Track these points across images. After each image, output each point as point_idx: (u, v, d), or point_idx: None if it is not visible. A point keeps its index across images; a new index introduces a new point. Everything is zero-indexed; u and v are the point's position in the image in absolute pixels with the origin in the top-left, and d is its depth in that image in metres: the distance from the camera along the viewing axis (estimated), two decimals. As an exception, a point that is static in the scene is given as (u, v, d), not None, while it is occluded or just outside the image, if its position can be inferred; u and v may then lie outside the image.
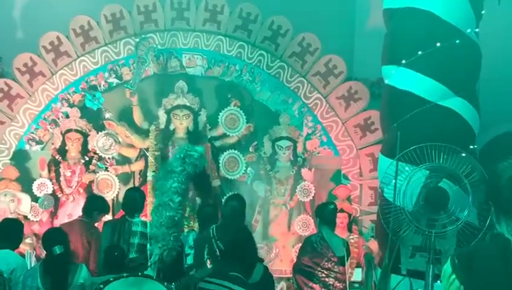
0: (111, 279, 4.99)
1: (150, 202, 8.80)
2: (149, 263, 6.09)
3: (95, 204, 8.16)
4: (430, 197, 6.83)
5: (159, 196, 5.57)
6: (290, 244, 9.87)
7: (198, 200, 9.31)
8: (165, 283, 5.10)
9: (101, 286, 4.87)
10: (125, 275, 5.27)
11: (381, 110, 8.81)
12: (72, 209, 9.49)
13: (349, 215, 9.48)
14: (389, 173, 7.25)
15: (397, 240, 7.15)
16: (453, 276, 3.59)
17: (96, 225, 8.19)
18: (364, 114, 10.19)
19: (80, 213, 8.19)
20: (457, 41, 7.87)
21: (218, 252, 6.71)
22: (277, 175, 10.07)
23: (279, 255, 9.78)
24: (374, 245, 8.83)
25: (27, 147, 10.08)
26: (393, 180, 7.20)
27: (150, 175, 9.75)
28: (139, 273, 5.43)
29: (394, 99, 8.30)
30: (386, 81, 8.44)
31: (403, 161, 7.10)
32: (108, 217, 9.34)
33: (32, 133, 10.07)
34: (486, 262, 3.52)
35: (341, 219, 9.17)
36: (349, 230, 9.43)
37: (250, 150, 10.23)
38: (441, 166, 6.83)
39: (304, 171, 10.05)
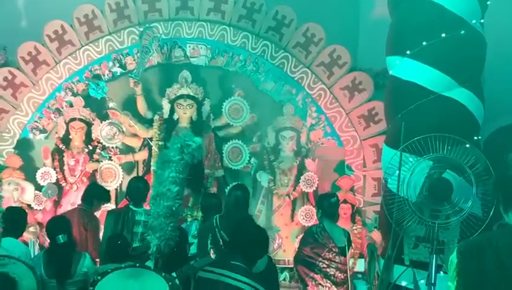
0: (109, 270, 4.98)
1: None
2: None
3: (94, 192, 8.19)
4: (433, 188, 6.85)
5: (157, 186, 5.52)
6: (293, 235, 9.85)
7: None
8: (164, 273, 5.08)
9: (99, 277, 4.86)
10: (123, 266, 5.26)
11: (385, 100, 8.79)
12: (76, 198, 9.44)
13: (353, 206, 9.48)
14: (393, 163, 7.26)
15: (400, 230, 7.16)
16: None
17: (96, 213, 8.20)
18: (369, 105, 10.17)
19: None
20: (462, 32, 7.83)
21: (221, 242, 6.73)
22: (280, 165, 10.06)
23: (283, 246, 9.77)
24: (377, 236, 8.83)
25: (31, 135, 10.08)
26: (397, 171, 7.21)
27: (153, 165, 9.73)
28: (137, 264, 5.42)
29: (398, 90, 8.27)
30: (391, 72, 8.42)
31: (406, 152, 7.10)
32: (111, 206, 9.40)
33: (36, 122, 10.07)
34: (493, 251, 3.52)
35: (344, 210, 9.19)
36: (353, 221, 9.42)
37: (254, 140, 10.21)
38: (444, 157, 6.84)
39: (308, 162, 10.03)
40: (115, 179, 9.86)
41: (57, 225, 6.31)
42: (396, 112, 8.19)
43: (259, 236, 5.36)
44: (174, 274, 5.09)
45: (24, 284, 4.89)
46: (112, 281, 4.89)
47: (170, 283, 4.86)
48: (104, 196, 8.28)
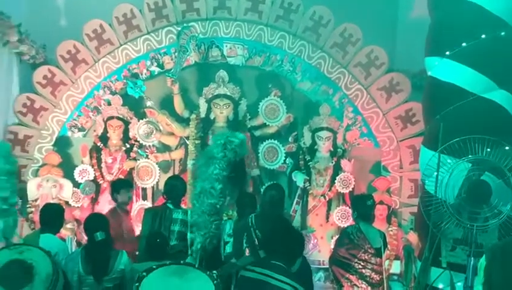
0: (154, 266, 5.01)
1: (189, 189, 8.82)
2: (190, 251, 6.11)
3: (117, 185, 8.30)
4: (472, 190, 6.78)
5: (200, 182, 5.53)
6: (328, 236, 9.83)
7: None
8: (207, 272, 5.10)
9: (144, 273, 4.89)
10: (168, 263, 5.29)
11: (423, 101, 8.73)
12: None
13: (389, 207, 9.43)
14: (431, 165, 7.20)
15: (438, 232, 7.10)
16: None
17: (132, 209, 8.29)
18: (406, 106, 10.13)
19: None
20: (503, 33, 7.75)
21: (256, 241, 6.73)
22: (316, 166, 10.04)
23: (317, 246, 9.75)
24: (413, 238, 8.76)
25: (69, 133, 10.21)
26: (435, 173, 7.15)
27: (189, 163, 9.79)
28: (181, 262, 5.45)
29: (437, 91, 8.21)
30: (429, 73, 8.36)
31: (445, 153, 7.05)
32: (148, 204, 9.47)
33: (75, 120, 10.20)
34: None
35: (380, 211, 9.15)
36: (388, 222, 9.38)
37: (290, 140, 10.23)
38: (484, 159, 6.77)
39: (344, 162, 9.99)
40: (151, 178, 9.91)
41: (95, 222, 6.38)
42: (435, 113, 8.13)
43: (297, 236, 5.37)
44: (215, 272, 5.09)
45: (41, 269, 4.97)
46: (157, 277, 4.91)
47: (215, 282, 4.87)
48: (126, 183, 8.45)
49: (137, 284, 4.79)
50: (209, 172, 5.49)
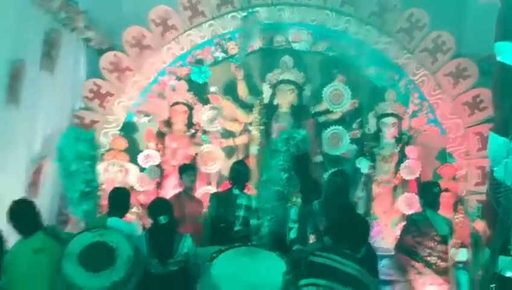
0: (223, 248, 5.07)
1: (253, 176, 8.84)
2: (253, 237, 6.15)
3: (181, 169, 8.47)
4: (543, 178, 6.65)
5: (267, 170, 5.61)
6: (392, 223, 9.72)
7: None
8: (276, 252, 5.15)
9: (214, 255, 4.96)
10: (236, 244, 5.35)
11: (492, 87, 8.52)
12: (177, 181, 9.61)
13: (455, 195, 9.30)
14: (501, 152, 7.07)
15: (508, 220, 6.97)
16: None
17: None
18: (473, 92, 9.94)
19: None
20: None
21: (321, 228, 6.72)
22: (381, 152, 9.95)
23: (382, 233, 9.67)
24: (479, 225, 8.61)
25: (135, 118, 10.30)
26: (505, 160, 7.01)
27: (253, 149, 9.85)
28: (249, 243, 5.51)
29: (507, 77, 8.02)
30: (499, 58, 8.15)
31: (515, 140, 6.91)
32: (212, 189, 9.52)
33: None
34: None
35: (446, 199, 9.04)
36: (455, 210, 9.27)
37: (354, 126, 10.16)
38: (555, 145, 6.63)
39: (409, 149, 9.87)
40: (215, 163, 9.95)
41: (159, 206, 6.48)
42: (504, 99, 7.93)
43: (362, 222, 5.36)
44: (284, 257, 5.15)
45: (122, 252, 5.06)
46: (228, 257, 4.99)
47: (285, 260, 4.93)
48: (189, 166, 8.64)
49: (209, 264, 4.87)
50: (274, 163, 5.57)
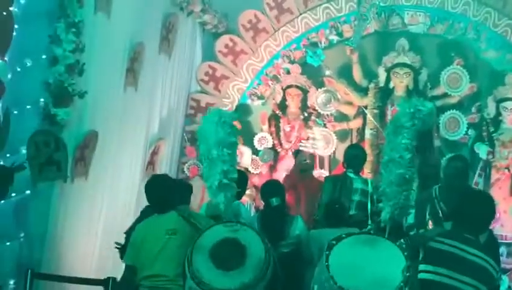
0: (343, 235, 4.96)
1: (368, 160, 8.74)
2: (371, 223, 6.06)
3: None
4: None
5: (389, 151, 5.41)
6: (511, 209, 9.47)
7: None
8: (397, 242, 5.00)
9: (334, 242, 4.86)
10: (357, 232, 5.26)
11: None
12: (290, 164, 9.61)
13: None
14: None
15: None
16: None
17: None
18: None
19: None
20: None
21: (441, 213, 6.58)
22: (501, 137, 9.67)
23: (500, 220, 9.40)
24: None
25: (249, 101, 10.38)
26: None
27: (367, 133, 9.79)
28: (371, 232, 5.41)
29: None
30: None
31: None
32: (325, 172, 9.50)
33: (255, 88, 10.35)
34: None
35: None
36: None
37: (473, 110, 9.93)
38: None
39: (530, 135, 9.58)
40: (328, 146, 9.92)
41: (271, 188, 6.50)
42: None
43: (487, 198, 5.15)
44: (403, 242, 4.99)
45: (253, 252, 4.92)
46: (348, 246, 4.87)
47: (405, 254, 4.78)
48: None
49: (327, 252, 4.77)
50: (397, 141, 5.34)
